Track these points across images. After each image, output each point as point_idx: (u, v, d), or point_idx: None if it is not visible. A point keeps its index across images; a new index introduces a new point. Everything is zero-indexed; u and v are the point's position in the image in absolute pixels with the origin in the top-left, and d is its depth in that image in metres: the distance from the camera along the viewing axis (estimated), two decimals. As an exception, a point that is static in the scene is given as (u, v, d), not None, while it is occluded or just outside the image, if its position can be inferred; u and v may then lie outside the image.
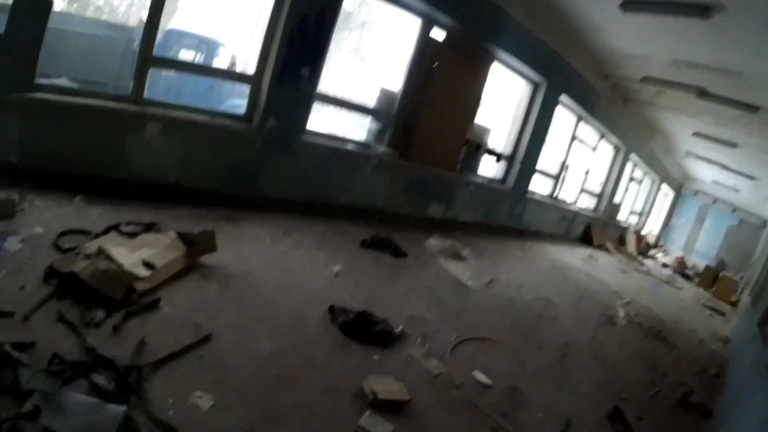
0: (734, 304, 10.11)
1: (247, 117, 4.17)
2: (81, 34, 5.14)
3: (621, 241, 12.57)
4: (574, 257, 8.29)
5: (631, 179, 12.99)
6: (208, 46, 6.33)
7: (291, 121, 4.23)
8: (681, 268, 13.11)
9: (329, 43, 4.25)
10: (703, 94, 6.24)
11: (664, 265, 12.91)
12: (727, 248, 15.91)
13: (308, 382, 2.14)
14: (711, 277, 11.66)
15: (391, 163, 5.11)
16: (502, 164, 7.29)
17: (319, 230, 4.27)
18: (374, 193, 5.26)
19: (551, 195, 9.20)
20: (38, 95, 3.26)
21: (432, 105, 5.22)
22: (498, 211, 7.57)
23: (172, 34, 6.30)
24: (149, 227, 2.96)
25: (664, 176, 15.07)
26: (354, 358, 2.48)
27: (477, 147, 6.45)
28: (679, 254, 15.38)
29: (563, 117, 8.43)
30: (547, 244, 8.39)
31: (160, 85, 5.53)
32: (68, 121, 3.34)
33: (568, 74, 7.28)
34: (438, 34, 5.19)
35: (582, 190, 10.46)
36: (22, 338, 1.69)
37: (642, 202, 15.16)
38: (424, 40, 5.07)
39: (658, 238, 17.25)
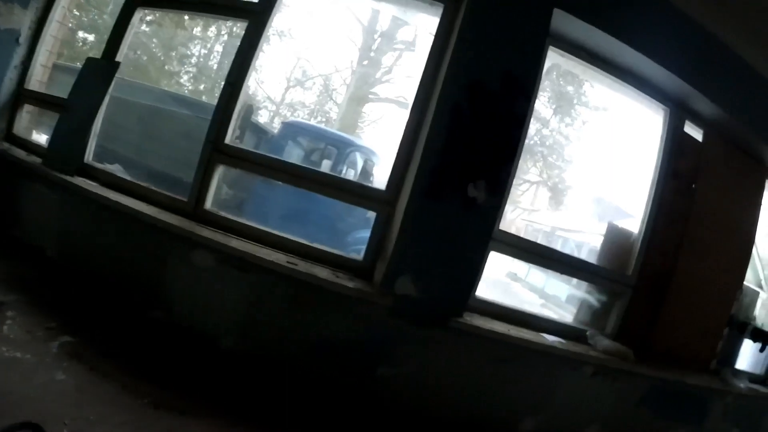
0: None
1: (367, 266, 2.18)
2: (160, 110, 4.07)
3: None
4: None
5: None
6: (339, 149, 4.81)
7: (444, 281, 2.08)
8: None
9: (524, 137, 2.24)
10: None
11: None
12: None
13: None
14: None
15: (619, 369, 2.53)
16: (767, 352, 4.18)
17: None
18: (583, 418, 2.64)
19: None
20: (78, 181, 2.67)
21: (692, 255, 2.76)
22: (762, 429, 4.29)
23: (292, 127, 5.06)
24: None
25: None
26: None
27: (742, 326, 3.59)
28: None
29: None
30: None
31: (267, 196, 4.06)
32: (104, 222, 2.55)
33: None
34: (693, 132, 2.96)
35: None
36: None
37: None
38: (675, 144, 2.84)
39: None
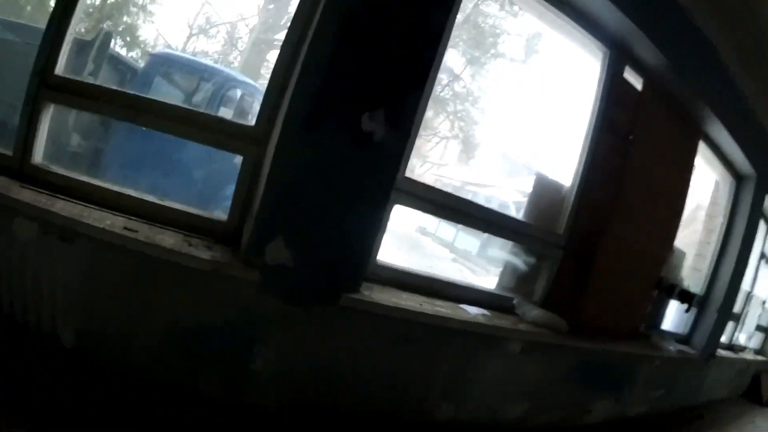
0: None
1: (233, 229, 1.65)
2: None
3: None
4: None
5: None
6: (216, 84, 4.05)
7: (331, 245, 1.59)
8: None
9: (439, 61, 1.77)
10: None
11: None
12: None
13: None
14: None
15: (551, 343, 2.22)
16: (692, 312, 4.23)
17: None
18: (510, 397, 2.33)
19: (729, 344, 5.90)
20: None
21: (625, 214, 2.50)
22: (679, 388, 4.39)
23: (159, 59, 4.20)
24: None
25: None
26: None
27: (670, 288, 3.50)
28: None
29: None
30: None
31: (129, 146, 3.28)
32: None
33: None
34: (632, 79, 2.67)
35: (758, 327, 7.02)
36: None
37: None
38: (613, 91, 2.51)
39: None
